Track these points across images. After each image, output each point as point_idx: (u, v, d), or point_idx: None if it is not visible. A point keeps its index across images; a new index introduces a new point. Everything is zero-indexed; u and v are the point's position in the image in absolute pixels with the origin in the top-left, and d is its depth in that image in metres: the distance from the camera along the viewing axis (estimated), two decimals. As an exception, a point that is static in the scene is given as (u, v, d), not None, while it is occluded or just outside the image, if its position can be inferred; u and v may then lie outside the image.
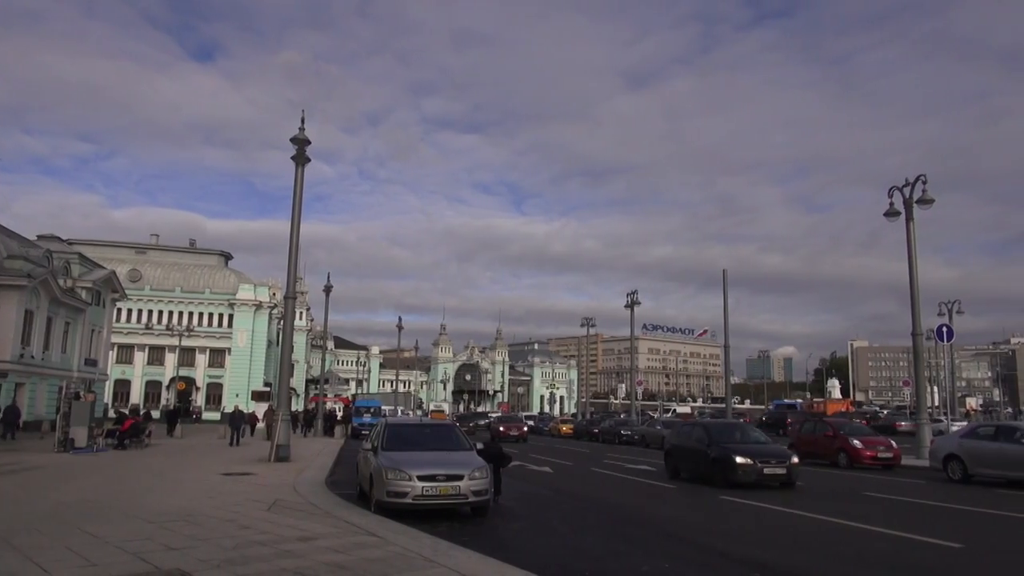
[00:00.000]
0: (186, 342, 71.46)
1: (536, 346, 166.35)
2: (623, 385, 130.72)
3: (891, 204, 24.83)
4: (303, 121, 20.63)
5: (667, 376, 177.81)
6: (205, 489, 13.50)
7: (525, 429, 38.97)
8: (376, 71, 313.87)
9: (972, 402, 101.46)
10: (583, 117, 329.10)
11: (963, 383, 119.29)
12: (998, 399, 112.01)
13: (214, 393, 75.46)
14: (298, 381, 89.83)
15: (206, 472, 17.10)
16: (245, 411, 35.84)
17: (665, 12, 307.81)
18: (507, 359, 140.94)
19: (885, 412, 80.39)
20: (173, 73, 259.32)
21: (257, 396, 52.29)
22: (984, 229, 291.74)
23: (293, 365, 60.53)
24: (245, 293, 77.03)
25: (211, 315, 77.09)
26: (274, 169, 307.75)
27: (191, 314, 76.04)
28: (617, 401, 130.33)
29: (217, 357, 76.52)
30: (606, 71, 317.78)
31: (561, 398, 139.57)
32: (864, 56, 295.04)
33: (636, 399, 56.67)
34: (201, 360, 75.85)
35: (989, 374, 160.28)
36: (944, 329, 31.26)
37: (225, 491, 13.19)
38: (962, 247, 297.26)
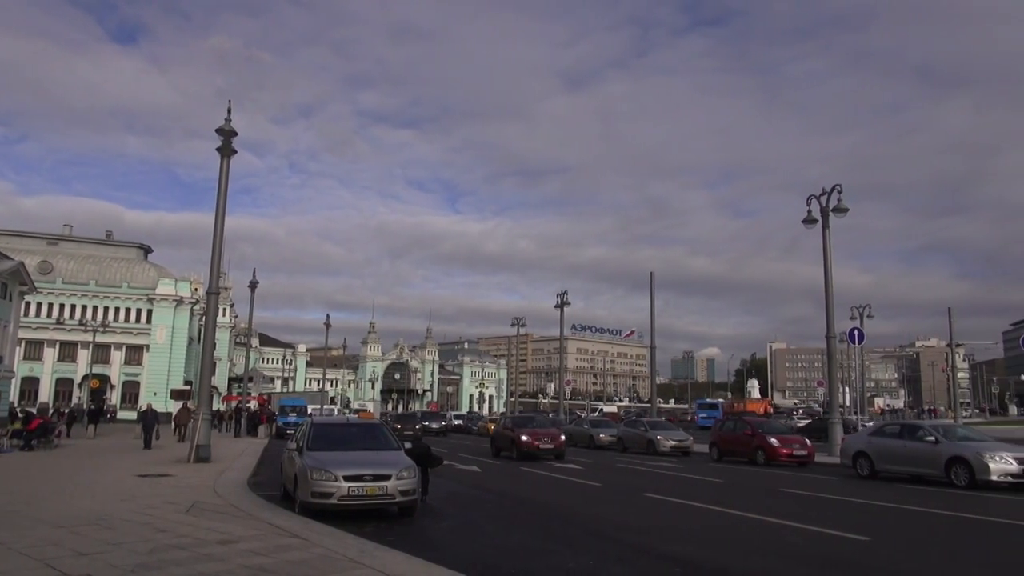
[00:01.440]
0: (101, 338, 68.32)
1: (466, 345, 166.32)
2: (552, 384, 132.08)
3: (809, 212, 25.87)
4: (229, 112, 20.06)
5: (595, 376, 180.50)
6: (119, 492, 12.98)
7: (563, 439, 26.44)
8: (311, 61, 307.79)
9: (880, 402, 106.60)
10: (520, 116, 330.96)
11: (872, 384, 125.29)
12: (904, 399, 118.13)
13: (130, 392, 72.54)
14: (220, 379, 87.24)
15: (120, 474, 16.44)
16: (159, 410, 34.45)
17: (602, 15, 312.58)
18: (437, 358, 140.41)
19: (800, 411, 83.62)
20: (92, 54, 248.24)
21: (177, 395, 50.45)
22: (896, 237, 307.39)
23: (215, 363, 58.85)
24: (165, 288, 74.31)
25: (128, 310, 74.06)
26: (199, 159, 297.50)
27: (107, 309, 72.76)
28: (546, 400, 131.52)
29: (134, 354, 73.56)
30: (543, 71, 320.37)
31: (491, 397, 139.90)
32: (792, 67, 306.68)
33: (564, 398, 57.35)
34: (117, 357, 72.76)
35: (896, 375, 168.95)
36: (855, 332, 32.80)
37: (140, 493, 12.72)
38: (876, 254, 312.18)
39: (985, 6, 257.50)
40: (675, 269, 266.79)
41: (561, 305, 49.81)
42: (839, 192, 25.16)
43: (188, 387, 61.87)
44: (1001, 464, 16.03)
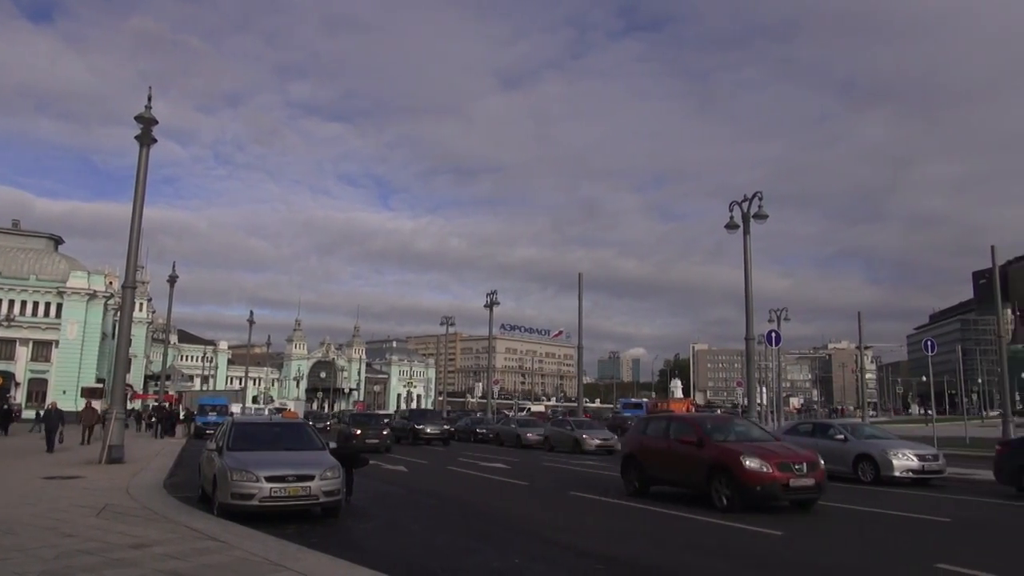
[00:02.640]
0: (5, 333, 64.65)
1: (395, 344, 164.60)
2: (480, 384, 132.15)
3: (731, 217, 26.70)
4: (150, 98, 19.31)
5: (523, 375, 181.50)
6: (23, 495, 12.31)
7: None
8: (240, 49, 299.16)
9: (795, 401, 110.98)
10: (455, 114, 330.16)
11: (788, 384, 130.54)
12: (817, 399, 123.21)
13: (37, 390, 68.71)
14: (136, 377, 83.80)
15: (25, 476, 15.59)
16: (71, 409, 32.76)
17: (540, 15, 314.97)
18: (364, 357, 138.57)
19: (719, 411, 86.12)
20: (1, 30, 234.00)
21: (88, 393, 48.21)
22: (815, 243, 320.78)
23: (130, 360, 56.39)
24: (77, 281, 70.78)
25: (36, 304, 70.20)
26: (118, 146, 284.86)
27: (12, 302, 68.85)
28: (474, 400, 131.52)
29: (42, 350, 69.80)
30: (480, 69, 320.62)
31: (418, 396, 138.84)
32: (722, 75, 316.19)
33: (492, 398, 57.48)
34: (23, 353, 68.90)
35: (810, 376, 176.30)
36: (773, 334, 34.03)
37: (47, 496, 12.10)
38: (795, 259, 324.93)
39: (902, 25, 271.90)
40: (605, 270, 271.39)
41: (491, 305, 49.90)
42: (760, 199, 26.03)
43: (101, 385, 59.14)
44: (903, 461, 16.95)
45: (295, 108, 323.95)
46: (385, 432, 29.53)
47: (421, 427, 36.13)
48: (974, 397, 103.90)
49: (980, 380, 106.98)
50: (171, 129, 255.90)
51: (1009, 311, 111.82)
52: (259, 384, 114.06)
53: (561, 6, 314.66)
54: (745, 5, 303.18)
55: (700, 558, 8.52)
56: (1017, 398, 71.75)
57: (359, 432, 28.24)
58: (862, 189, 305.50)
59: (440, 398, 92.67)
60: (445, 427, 37.48)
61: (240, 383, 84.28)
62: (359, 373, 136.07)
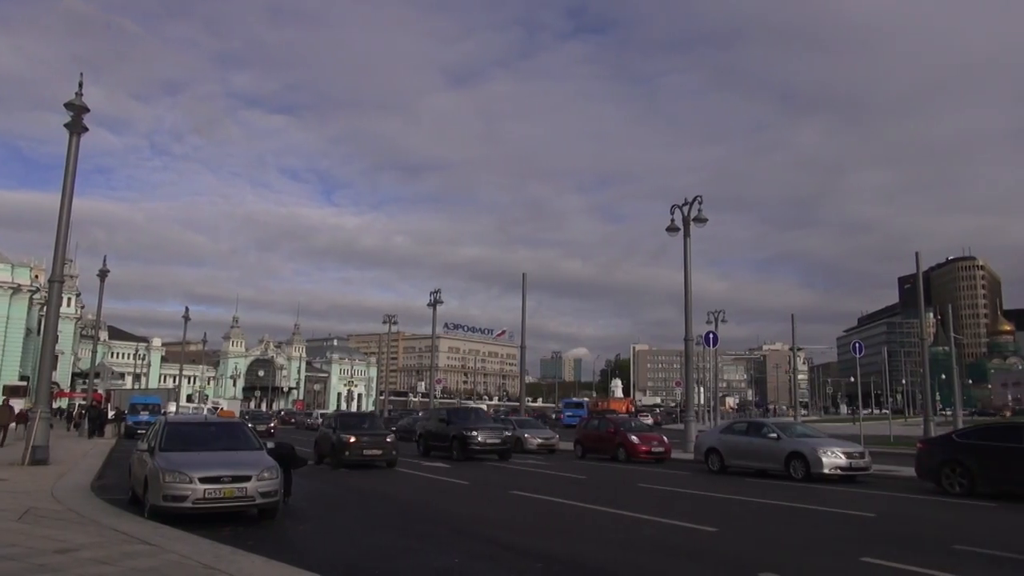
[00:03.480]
0: (-82, 328, 61.38)
1: (336, 342, 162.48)
2: (422, 383, 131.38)
3: (672, 220, 27.26)
4: (81, 85, 18.54)
5: (465, 375, 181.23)
6: (-63, 498, 11.70)
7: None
8: (179, 35, 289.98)
9: (731, 401, 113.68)
10: (401, 109, 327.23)
11: (724, 384, 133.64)
12: (752, 398, 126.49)
13: (-47, 388, 65.42)
14: (63, 375, 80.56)
15: (-61, 479, 14.81)
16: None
17: (489, 13, 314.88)
18: (304, 355, 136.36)
19: (659, 411, 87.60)
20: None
21: (10, 391, 46.11)
22: (752, 247, 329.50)
23: (57, 357, 54.09)
24: (0, 274, 67.67)
25: (-47, 297, 66.83)
26: (46, 133, 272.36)
27: (-73, 295, 65.38)
28: (416, 399, 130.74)
29: (-41, 346, 66.45)
30: (427, 66, 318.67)
31: (359, 396, 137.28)
32: (666, 79, 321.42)
33: (435, 397, 57.26)
34: (-62, 349, 65.53)
35: (745, 376, 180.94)
36: (711, 336, 34.88)
37: (-36, 500, 11.53)
38: (733, 262, 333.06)
39: (836, 38, 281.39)
40: (549, 271, 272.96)
41: (434, 304, 49.71)
42: (700, 203, 26.66)
43: (24, 383, 56.72)
44: (832, 458, 17.58)
45: (236, 99, 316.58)
46: (389, 439, 21.75)
47: (472, 434, 24.17)
48: (899, 397, 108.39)
49: (904, 381, 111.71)
50: (104, 117, 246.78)
51: (931, 315, 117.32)
52: (194, 382, 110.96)
53: (510, 5, 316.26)
54: (688, 11, 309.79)
55: (637, 554, 8.68)
56: (938, 398, 75.23)
57: (352, 440, 20.69)
58: (797, 196, 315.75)
59: (382, 397, 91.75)
60: (506, 434, 25.19)
61: (174, 381, 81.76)
62: (299, 371, 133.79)
